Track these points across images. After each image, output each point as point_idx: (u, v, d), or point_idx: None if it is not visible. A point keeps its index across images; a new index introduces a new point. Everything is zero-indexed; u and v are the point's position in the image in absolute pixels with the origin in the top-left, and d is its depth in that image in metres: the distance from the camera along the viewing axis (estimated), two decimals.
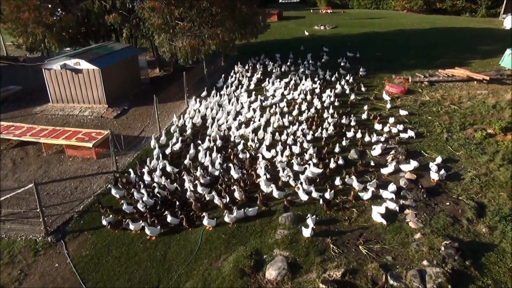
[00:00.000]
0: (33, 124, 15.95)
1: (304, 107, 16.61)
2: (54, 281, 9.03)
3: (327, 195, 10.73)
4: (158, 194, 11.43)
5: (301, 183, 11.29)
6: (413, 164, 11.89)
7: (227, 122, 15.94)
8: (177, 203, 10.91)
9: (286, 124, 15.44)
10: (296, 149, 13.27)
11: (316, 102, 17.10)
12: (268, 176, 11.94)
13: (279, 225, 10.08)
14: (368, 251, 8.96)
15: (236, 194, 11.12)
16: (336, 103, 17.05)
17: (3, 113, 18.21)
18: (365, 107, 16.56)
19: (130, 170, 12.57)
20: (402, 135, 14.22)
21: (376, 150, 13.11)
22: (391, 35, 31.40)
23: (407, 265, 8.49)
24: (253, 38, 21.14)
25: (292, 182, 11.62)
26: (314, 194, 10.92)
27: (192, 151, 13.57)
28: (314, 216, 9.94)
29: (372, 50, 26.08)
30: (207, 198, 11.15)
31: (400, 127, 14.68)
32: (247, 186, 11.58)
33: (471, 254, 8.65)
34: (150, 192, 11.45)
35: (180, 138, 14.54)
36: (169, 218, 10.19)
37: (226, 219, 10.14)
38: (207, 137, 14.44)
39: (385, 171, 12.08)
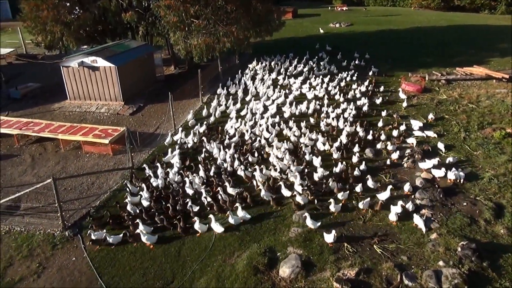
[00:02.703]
0: (51, 121, 16.25)
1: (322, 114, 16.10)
2: (71, 274, 9.21)
3: (339, 195, 10.68)
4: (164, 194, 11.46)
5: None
6: (433, 161, 11.73)
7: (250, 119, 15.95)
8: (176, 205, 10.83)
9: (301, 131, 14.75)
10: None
11: (332, 115, 15.86)
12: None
13: (293, 223, 10.07)
14: (383, 251, 8.89)
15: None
16: (353, 111, 15.99)
17: (22, 110, 18.60)
18: (383, 113, 15.87)
19: (145, 166, 12.71)
20: (418, 133, 14.04)
21: (395, 155, 12.74)
22: (408, 33, 31.01)
23: (423, 265, 8.39)
24: (268, 36, 21.11)
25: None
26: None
27: (209, 147, 13.70)
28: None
29: (388, 48, 25.79)
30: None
31: (416, 124, 14.52)
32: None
33: (488, 255, 8.49)
34: (155, 191, 11.50)
35: (195, 135, 14.66)
36: (140, 227, 9.84)
37: (231, 220, 10.12)
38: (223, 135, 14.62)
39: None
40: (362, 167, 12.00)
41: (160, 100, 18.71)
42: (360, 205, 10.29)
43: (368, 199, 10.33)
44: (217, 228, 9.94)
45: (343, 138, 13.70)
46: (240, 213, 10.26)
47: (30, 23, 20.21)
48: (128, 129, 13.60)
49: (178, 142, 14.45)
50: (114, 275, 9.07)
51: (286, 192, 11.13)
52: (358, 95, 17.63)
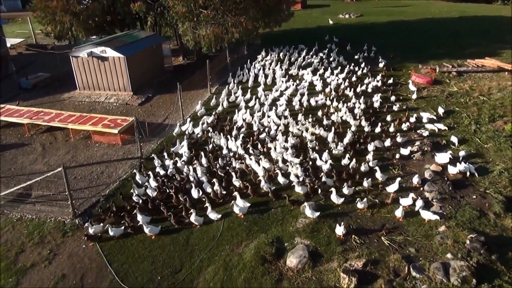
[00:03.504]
0: (61, 110, 16.40)
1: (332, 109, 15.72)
2: (82, 261, 9.35)
3: (345, 190, 10.56)
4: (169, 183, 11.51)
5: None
6: (448, 155, 11.59)
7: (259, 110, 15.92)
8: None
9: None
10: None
11: (344, 109, 15.37)
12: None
13: (301, 214, 10.09)
14: (391, 242, 8.89)
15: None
16: (362, 105, 15.63)
17: (33, 99, 18.78)
18: (395, 107, 15.62)
19: (154, 155, 12.79)
20: (429, 126, 13.92)
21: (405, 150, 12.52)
22: (419, 24, 30.54)
23: (431, 257, 8.37)
24: (277, 27, 20.97)
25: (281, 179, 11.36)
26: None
27: (216, 137, 13.73)
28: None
29: (399, 39, 25.48)
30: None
31: (426, 116, 14.42)
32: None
33: (497, 248, 8.44)
34: (162, 181, 11.59)
35: (204, 125, 14.71)
36: (139, 217, 9.94)
37: (236, 209, 10.17)
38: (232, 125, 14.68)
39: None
40: (371, 163, 11.80)
41: (169, 91, 18.74)
42: (359, 205, 10.00)
43: (365, 199, 10.11)
44: (213, 216, 10.08)
45: (349, 136, 13.14)
46: (240, 202, 10.33)
47: (39, 13, 20.28)
48: (137, 119, 13.69)
49: (187, 132, 14.49)
50: (123, 262, 9.20)
51: (282, 180, 11.18)
52: (369, 90, 17.24)
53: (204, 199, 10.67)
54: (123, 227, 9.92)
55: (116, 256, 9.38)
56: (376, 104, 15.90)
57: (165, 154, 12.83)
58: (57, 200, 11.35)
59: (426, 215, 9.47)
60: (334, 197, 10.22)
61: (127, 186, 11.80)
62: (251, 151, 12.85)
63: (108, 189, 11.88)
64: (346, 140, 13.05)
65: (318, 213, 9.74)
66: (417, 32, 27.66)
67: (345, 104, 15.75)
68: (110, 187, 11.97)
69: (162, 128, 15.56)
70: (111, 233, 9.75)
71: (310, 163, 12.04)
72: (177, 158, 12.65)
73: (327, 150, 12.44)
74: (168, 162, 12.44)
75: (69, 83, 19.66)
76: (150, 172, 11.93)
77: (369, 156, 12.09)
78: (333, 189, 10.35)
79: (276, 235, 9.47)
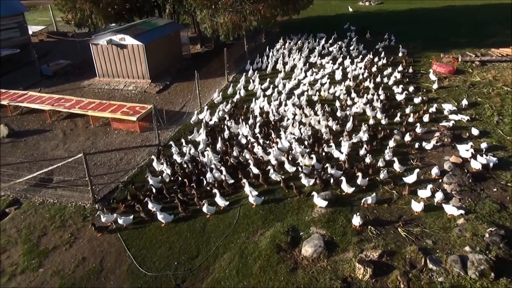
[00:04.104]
0: (81, 97, 16.68)
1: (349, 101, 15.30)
2: (101, 245, 9.60)
3: (359, 181, 10.45)
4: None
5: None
6: (468, 147, 11.37)
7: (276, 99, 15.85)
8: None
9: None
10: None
11: (363, 100, 15.18)
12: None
13: (317, 204, 10.07)
14: (407, 234, 8.82)
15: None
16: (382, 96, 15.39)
17: (54, 86, 19.14)
18: (417, 99, 15.21)
19: (171, 143, 12.93)
20: (452, 116, 13.64)
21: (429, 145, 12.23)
22: (440, 12, 29.72)
23: (448, 250, 8.28)
24: (295, 14, 20.72)
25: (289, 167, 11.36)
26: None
27: (233, 125, 13.80)
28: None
29: (420, 27, 24.86)
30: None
31: (448, 107, 14.11)
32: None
33: None
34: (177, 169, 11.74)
35: (219, 114, 14.78)
36: (150, 205, 10.12)
37: (250, 199, 10.21)
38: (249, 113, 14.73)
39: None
40: (387, 155, 11.57)
41: (186, 79, 18.81)
42: (369, 200, 9.82)
43: (374, 194, 9.95)
44: (221, 202, 10.20)
45: (364, 131, 12.77)
46: (247, 189, 10.44)
47: (60, 1, 20.59)
48: (155, 107, 13.83)
49: (204, 120, 14.57)
50: (141, 247, 9.41)
51: (289, 168, 11.21)
52: (390, 82, 16.76)
53: (211, 187, 10.81)
54: (132, 216, 10.03)
55: (134, 241, 9.59)
56: (397, 96, 15.56)
57: (182, 141, 12.95)
58: (78, 185, 11.63)
59: (450, 210, 9.22)
60: (344, 186, 10.19)
61: (145, 173, 11.95)
62: (260, 141, 12.81)
63: (126, 176, 12.09)
64: (360, 134, 12.71)
65: (326, 203, 9.73)
66: (438, 20, 26.94)
67: (365, 96, 15.49)
68: (129, 174, 12.18)
69: (179, 116, 15.68)
70: (120, 222, 9.87)
71: (324, 154, 11.94)
72: (191, 146, 12.70)
73: (347, 141, 12.30)
74: (186, 150, 12.55)
75: (88, 71, 19.95)
76: (162, 162, 12.01)
77: (387, 151, 11.81)
78: (343, 178, 10.31)
79: (291, 224, 9.51)
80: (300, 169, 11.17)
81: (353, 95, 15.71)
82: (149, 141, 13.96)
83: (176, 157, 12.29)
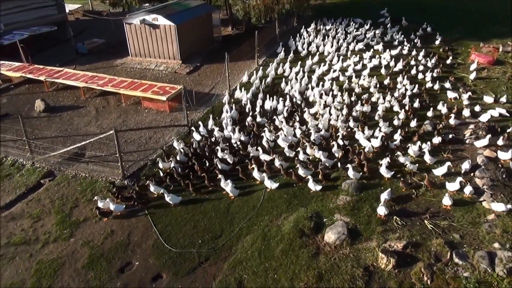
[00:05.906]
0: (114, 76, 17.03)
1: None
2: (129, 220, 9.91)
3: (383, 172, 10.27)
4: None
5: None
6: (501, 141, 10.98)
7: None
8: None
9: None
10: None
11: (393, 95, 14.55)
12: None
13: (342, 191, 10.01)
14: (434, 227, 8.64)
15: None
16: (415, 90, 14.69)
17: (89, 64, 19.62)
18: (450, 94, 14.48)
19: (200, 123, 13.08)
20: (491, 111, 13.05)
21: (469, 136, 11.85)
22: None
23: (476, 245, 8.07)
24: None
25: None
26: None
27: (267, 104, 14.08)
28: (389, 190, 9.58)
29: (458, 16, 23.76)
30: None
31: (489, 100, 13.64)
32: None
33: None
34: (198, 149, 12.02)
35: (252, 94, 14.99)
36: (151, 188, 10.38)
37: (267, 183, 10.28)
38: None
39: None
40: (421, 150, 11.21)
41: (216, 61, 18.86)
42: (385, 195, 9.44)
43: (389, 189, 9.59)
44: (229, 188, 10.25)
45: (383, 128, 12.22)
46: (256, 174, 10.62)
47: None
48: (185, 88, 13.97)
49: (233, 100, 14.64)
50: (167, 224, 9.65)
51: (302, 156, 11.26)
52: (425, 74, 15.90)
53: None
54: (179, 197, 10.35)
55: (161, 218, 9.84)
56: (436, 86, 14.93)
57: (210, 121, 13.11)
58: (108, 161, 11.99)
59: (497, 207, 8.86)
60: (350, 173, 10.18)
61: (173, 153, 12.17)
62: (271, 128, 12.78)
63: (155, 154, 12.35)
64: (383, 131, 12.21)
65: (320, 187, 9.97)
66: (478, 7, 25.59)
67: (396, 89, 14.98)
68: (158, 152, 12.43)
69: (208, 97, 15.79)
70: (167, 199, 10.05)
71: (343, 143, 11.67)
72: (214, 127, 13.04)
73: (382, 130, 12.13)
74: (215, 128, 12.90)
75: (122, 50, 20.32)
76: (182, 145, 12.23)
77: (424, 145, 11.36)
78: (349, 165, 10.28)
79: (315, 210, 9.50)
80: (303, 157, 11.18)
81: (387, 81, 15.38)
82: (178, 121, 14.16)
83: (196, 135, 12.63)
